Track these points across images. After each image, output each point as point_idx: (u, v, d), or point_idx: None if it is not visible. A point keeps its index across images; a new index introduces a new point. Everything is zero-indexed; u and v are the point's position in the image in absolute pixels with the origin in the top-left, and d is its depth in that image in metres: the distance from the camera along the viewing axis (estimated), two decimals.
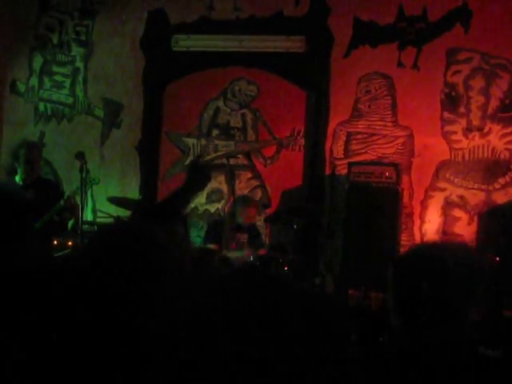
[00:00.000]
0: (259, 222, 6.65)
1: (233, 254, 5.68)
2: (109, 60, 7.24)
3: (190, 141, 7.11)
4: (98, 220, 6.95)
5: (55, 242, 5.70)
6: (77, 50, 7.36)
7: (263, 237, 6.40)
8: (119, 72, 7.22)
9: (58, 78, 7.42)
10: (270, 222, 6.46)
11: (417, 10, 6.59)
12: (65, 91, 7.39)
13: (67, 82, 7.38)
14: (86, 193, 5.28)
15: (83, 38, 7.33)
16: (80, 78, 7.34)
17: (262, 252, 5.94)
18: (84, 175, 5.26)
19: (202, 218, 6.98)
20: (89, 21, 7.30)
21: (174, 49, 7.04)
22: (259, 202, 6.40)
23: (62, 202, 5.01)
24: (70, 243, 5.65)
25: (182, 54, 7.02)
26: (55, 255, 5.69)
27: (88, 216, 7.06)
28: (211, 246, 5.90)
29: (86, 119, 7.33)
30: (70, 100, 7.36)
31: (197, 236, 6.83)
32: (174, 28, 7.06)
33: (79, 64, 7.35)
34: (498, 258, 5.97)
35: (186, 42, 7.01)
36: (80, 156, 5.36)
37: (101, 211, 6.89)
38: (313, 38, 6.73)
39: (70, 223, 5.37)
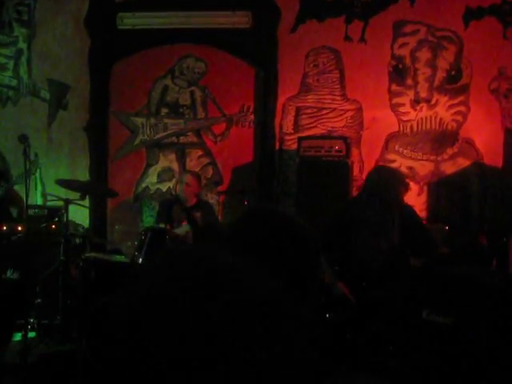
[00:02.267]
0: (212, 200, 6.63)
1: (182, 230, 5.65)
2: (53, 40, 7.08)
3: (139, 120, 7.02)
4: (47, 204, 6.84)
5: (4, 228, 5.60)
6: (19, 31, 7.17)
7: (217, 214, 6.38)
8: (64, 52, 7.07)
9: (0, 59, 7.23)
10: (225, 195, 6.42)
11: None
12: (8, 73, 7.21)
13: (10, 64, 7.20)
14: (29, 177, 5.15)
15: (25, 17, 7.14)
16: (24, 60, 7.17)
17: None
18: (28, 158, 5.13)
19: (154, 198, 6.92)
20: (30, 0, 7.11)
21: (120, 27, 6.92)
22: (199, 175, 6.31)
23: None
24: (19, 228, 5.56)
25: (128, 33, 6.91)
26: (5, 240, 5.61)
27: (38, 200, 6.94)
28: (162, 226, 5.84)
29: (31, 101, 7.17)
30: (14, 82, 7.19)
31: (149, 216, 6.77)
32: (119, 6, 6.93)
33: (22, 45, 7.17)
34: (447, 227, 6.09)
35: (131, 20, 6.89)
36: (23, 138, 5.21)
37: (50, 195, 6.77)
38: (259, 13, 6.69)
39: (15, 212, 5.28)
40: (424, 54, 6.58)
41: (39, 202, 6.93)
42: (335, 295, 3.92)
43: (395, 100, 6.60)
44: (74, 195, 5.80)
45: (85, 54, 7.01)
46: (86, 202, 6.16)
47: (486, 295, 4.05)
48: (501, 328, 3.26)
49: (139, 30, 6.88)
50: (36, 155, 6.93)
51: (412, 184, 6.55)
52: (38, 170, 7.03)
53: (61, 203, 5.85)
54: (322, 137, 6.43)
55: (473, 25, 6.51)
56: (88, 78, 7.02)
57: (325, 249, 4.10)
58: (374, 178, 4.29)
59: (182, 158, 6.92)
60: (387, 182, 4.10)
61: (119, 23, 6.90)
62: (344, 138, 6.23)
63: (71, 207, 5.73)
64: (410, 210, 4.46)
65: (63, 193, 5.94)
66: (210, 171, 6.90)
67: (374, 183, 4.16)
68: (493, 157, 6.40)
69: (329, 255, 4.02)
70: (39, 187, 7.04)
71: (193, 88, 6.95)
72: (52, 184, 6.41)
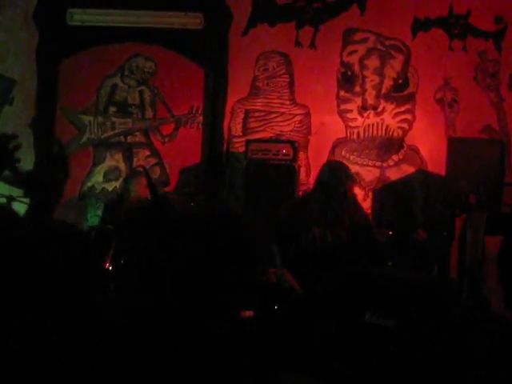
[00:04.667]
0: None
1: None
2: None
3: (87, 118, 6.93)
4: None
5: None
6: None
7: None
8: (11, 46, 6.92)
9: None
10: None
11: None
12: None
13: None
14: None
15: None
16: None
17: None
18: None
19: (100, 197, 6.84)
20: None
21: (69, 23, 6.81)
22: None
23: None
24: None
25: (78, 29, 6.81)
26: None
27: None
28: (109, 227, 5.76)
29: None
30: None
31: (94, 215, 6.69)
32: (69, 1, 6.83)
33: None
34: (390, 232, 6.19)
35: (81, 17, 6.80)
36: None
37: None
38: (211, 15, 6.69)
39: None
40: (372, 62, 6.69)
41: None
42: (283, 288, 3.95)
43: (343, 106, 6.69)
44: (17, 192, 5.69)
45: (32, 48, 6.88)
46: (29, 200, 6.05)
47: (422, 297, 4.15)
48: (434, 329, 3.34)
49: (89, 26, 6.80)
50: None
51: (357, 190, 6.64)
52: None
53: (3, 200, 5.73)
54: (270, 140, 6.47)
55: (420, 35, 6.66)
56: (35, 73, 6.89)
57: (277, 242, 4.13)
58: (325, 172, 4.36)
59: (129, 158, 6.86)
60: (336, 176, 4.17)
61: (69, 19, 6.80)
62: (292, 142, 6.29)
63: (14, 204, 5.62)
64: (358, 205, 4.53)
65: (6, 189, 5.83)
66: (157, 171, 6.86)
67: (324, 177, 4.22)
68: (436, 164, 6.55)
69: (281, 249, 4.06)
70: None
71: (142, 87, 6.90)
72: None
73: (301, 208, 4.23)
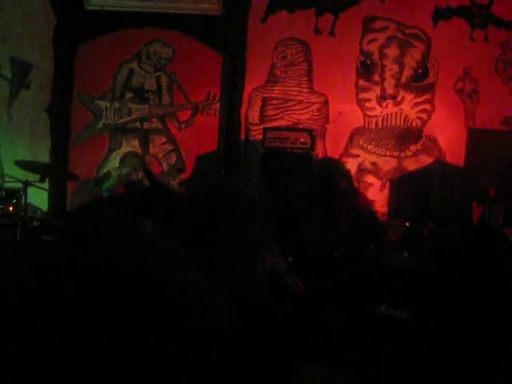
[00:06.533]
0: (176, 188, 6.56)
1: None
2: (16, 17, 6.89)
3: (103, 103, 6.89)
4: (5, 185, 6.67)
5: None
6: None
7: None
8: (28, 30, 6.89)
9: None
10: (184, 186, 6.38)
11: None
12: None
13: None
14: None
15: None
16: None
17: None
18: None
19: (115, 183, 6.81)
20: None
21: (87, 7, 6.77)
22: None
23: None
24: None
25: (96, 13, 6.76)
26: None
27: None
28: None
29: None
30: None
31: None
32: None
33: None
34: (407, 223, 6.14)
35: (99, 1, 6.75)
36: None
37: (9, 176, 6.61)
38: (230, 1, 6.63)
39: None
40: (392, 51, 6.61)
41: None
42: (287, 285, 3.92)
43: (362, 95, 6.62)
44: (33, 177, 5.67)
45: (49, 33, 6.85)
46: (46, 185, 6.03)
47: (438, 290, 4.10)
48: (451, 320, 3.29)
49: (107, 11, 6.75)
50: None
51: (374, 179, 6.60)
52: None
53: (19, 185, 5.71)
54: (288, 128, 6.41)
55: (441, 24, 6.57)
56: (52, 57, 6.86)
57: (277, 239, 4.10)
58: (318, 170, 4.33)
59: (145, 144, 6.83)
60: (330, 173, 4.12)
61: (87, 3, 6.75)
62: (309, 131, 6.23)
63: (30, 189, 5.60)
64: (359, 198, 4.46)
65: (22, 174, 5.81)
66: (173, 158, 6.83)
67: (319, 175, 4.18)
68: (455, 156, 6.48)
69: (281, 246, 4.03)
70: None
71: (159, 73, 6.85)
72: (11, 165, 6.26)
73: (294, 208, 4.20)
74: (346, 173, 4.20)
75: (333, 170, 4.15)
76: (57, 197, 6.78)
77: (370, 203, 4.86)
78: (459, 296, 2.65)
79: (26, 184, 5.54)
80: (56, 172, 6.40)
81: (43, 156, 6.76)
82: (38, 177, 5.65)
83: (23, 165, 5.84)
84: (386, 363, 3.54)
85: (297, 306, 3.92)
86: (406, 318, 4.09)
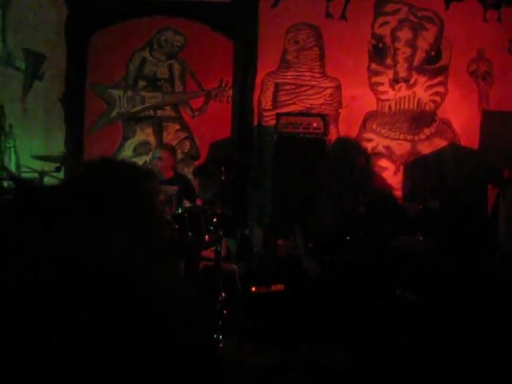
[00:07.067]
0: (190, 176, 6.59)
1: None
2: (29, 8, 6.92)
3: (116, 92, 6.92)
4: (22, 175, 6.73)
5: None
6: None
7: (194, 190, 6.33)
8: (40, 21, 6.91)
9: None
10: (198, 174, 6.40)
11: None
12: None
13: None
14: (4, 147, 5.07)
15: None
16: None
17: (198, 203, 5.87)
18: (3, 128, 5.06)
19: None
20: None
21: None
22: (173, 148, 6.24)
23: None
24: None
25: (107, 3, 6.78)
26: None
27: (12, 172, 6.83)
28: None
29: (5, 71, 7.01)
30: None
31: None
32: None
33: None
34: (421, 206, 6.13)
35: None
36: None
37: (25, 166, 6.67)
38: None
39: None
40: (404, 34, 6.58)
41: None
42: (303, 267, 3.95)
43: (374, 79, 6.59)
44: (49, 167, 5.72)
45: (61, 23, 6.87)
46: (62, 175, 6.07)
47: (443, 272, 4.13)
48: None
49: (118, 0, 6.76)
50: (10, 126, 6.81)
51: (388, 163, 6.59)
52: (13, 141, 6.91)
53: (35, 175, 5.76)
54: (301, 113, 6.41)
55: (454, 6, 6.52)
56: (64, 48, 6.89)
57: (298, 223, 4.12)
58: (335, 148, 4.31)
59: (158, 132, 6.85)
60: (348, 151, 4.11)
61: None
62: (322, 116, 6.22)
63: (46, 179, 5.65)
64: (376, 180, 4.45)
65: (38, 165, 5.86)
66: (187, 145, 6.85)
67: (337, 153, 4.16)
68: (469, 138, 6.45)
69: (301, 230, 4.04)
70: (13, 158, 6.93)
71: (171, 61, 6.87)
72: (26, 156, 6.32)
73: (313, 190, 4.19)
74: (363, 151, 4.18)
75: (351, 147, 4.14)
76: None
77: (389, 186, 4.84)
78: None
79: (42, 174, 5.57)
80: (71, 162, 6.45)
81: (58, 146, 6.80)
82: (53, 167, 5.68)
83: (39, 157, 5.89)
84: (394, 345, 3.56)
85: (312, 287, 3.94)
86: (417, 300, 4.13)
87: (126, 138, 6.93)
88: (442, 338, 3.43)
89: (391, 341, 3.64)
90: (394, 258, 4.13)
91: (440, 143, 6.54)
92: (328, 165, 4.25)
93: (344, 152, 4.05)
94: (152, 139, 6.89)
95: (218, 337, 3.56)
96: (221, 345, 3.55)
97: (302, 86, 6.66)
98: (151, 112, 6.90)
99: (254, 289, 4.64)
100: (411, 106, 6.57)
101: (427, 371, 3.12)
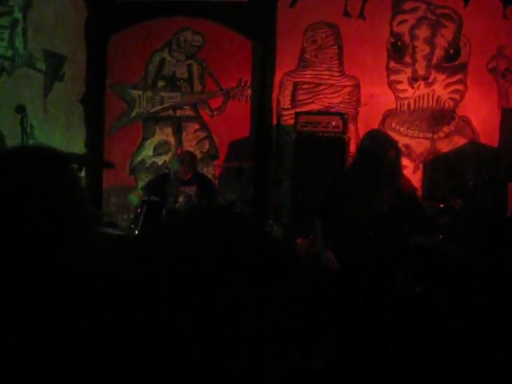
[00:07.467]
0: (210, 175, 6.60)
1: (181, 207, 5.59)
2: (49, 10, 7.00)
3: (136, 92, 6.98)
4: None
5: None
6: (15, 0, 7.08)
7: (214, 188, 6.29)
8: (60, 23, 6.99)
9: None
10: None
11: None
12: (3, 43, 7.12)
13: (6, 34, 7.10)
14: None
15: None
16: (19, 30, 7.07)
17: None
18: (25, 129, 5.15)
19: (150, 171, 6.90)
20: None
21: None
22: (194, 157, 6.13)
23: None
24: None
25: (126, 4, 6.84)
26: None
27: None
28: (156, 199, 5.72)
29: (27, 72, 7.10)
30: (10, 53, 7.11)
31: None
32: None
33: (18, 15, 7.07)
34: (441, 205, 6.10)
35: None
36: (20, 109, 5.23)
37: None
38: None
39: None
40: (423, 32, 6.56)
41: None
42: (322, 263, 3.95)
43: (393, 77, 6.58)
44: None
45: (81, 25, 6.94)
46: (82, 174, 6.13)
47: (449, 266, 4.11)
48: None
49: (137, 1, 6.81)
50: (31, 127, 6.89)
51: (408, 162, 6.57)
52: (34, 142, 6.99)
53: None
54: (320, 112, 6.42)
55: (472, 3, 6.49)
56: (84, 49, 6.95)
57: (321, 220, 4.12)
58: (367, 139, 4.22)
59: (178, 132, 6.90)
60: (380, 141, 4.03)
61: None
62: (341, 114, 6.22)
63: None
64: (402, 179, 4.38)
65: None
66: (206, 145, 6.89)
67: (365, 149, 4.09)
68: (489, 136, 6.42)
69: (325, 227, 4.04)
70: None
71: (190, 61, 6.91)
72: None
73: (339, 186, 4.13)
74: (395, 143, 4.11)
75: (383, 138, 4.08)
76: (93, 186, 6.89)
77: (414, 188, 4.78)
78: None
79: None
80: (92, 161, 6.52)
81: (79, 146, 6.87)
82: (74, 167, 5.73)
83: None
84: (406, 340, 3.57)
85: (330, 282, 3.95)
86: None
87: (145, 138, 6.98)
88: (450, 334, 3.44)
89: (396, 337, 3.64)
90: (416, 257, 4.13)
91: (459, 141, 6.52)
92: (357, 158, 4.19)
93: (376, 143, 3.96)
94: (171, 139, 6.94)
95: None
96: None
97: (320, 84, 6.66)
98: (170, 112, 6.94)
99: None
100: (430, 104, 6.55)
101: (431, 370, 3.12)
